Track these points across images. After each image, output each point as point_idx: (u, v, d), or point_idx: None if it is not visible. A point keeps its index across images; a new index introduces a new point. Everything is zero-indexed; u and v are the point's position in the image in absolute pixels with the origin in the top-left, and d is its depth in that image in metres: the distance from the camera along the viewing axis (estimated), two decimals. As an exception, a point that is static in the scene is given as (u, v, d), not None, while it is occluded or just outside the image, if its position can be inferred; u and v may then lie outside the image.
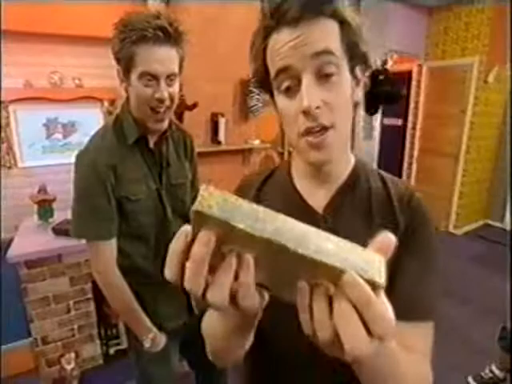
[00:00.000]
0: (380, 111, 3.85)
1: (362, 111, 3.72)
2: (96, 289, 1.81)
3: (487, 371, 1.91)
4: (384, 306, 0.27)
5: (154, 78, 0.87)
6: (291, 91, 0.48)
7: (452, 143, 4.05)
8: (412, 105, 4.45)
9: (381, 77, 3.55)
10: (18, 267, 1.58)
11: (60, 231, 1.70)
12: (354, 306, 0.26)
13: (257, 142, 2.49)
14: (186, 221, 0.63)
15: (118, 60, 0.89)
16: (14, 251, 1.56)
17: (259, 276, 0.29)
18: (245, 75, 2.35)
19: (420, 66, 4.27)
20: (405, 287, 0.50)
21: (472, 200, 4.14)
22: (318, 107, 0.46)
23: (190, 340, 1.16)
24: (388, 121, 4.51)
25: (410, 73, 4.37)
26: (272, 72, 0.49)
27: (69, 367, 1.69)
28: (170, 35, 0.85)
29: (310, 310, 0.29)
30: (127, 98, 0.96)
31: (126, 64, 0.87)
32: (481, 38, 3.59)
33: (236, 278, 0.28)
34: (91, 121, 2.34)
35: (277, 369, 0.59)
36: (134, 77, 0.87)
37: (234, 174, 2.45)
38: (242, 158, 2.51)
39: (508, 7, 3.31)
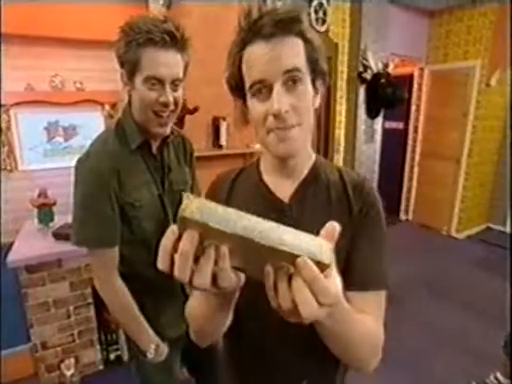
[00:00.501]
0: (381, 114, 3.85)
1: (363, 114, 3.72)
2: (96, 294, 1.79)
3: (492, 378, 1.89)
4: (328, 282, 0.36)
5: (159, 82, 0.86)
6: (263, 96, 0.55)
7: (454, 147, 4.03)
8: (413, 108, 4.44)
9: (382, 80, 3.55)
10: (18, 272, 1.57)
11: (60, 236, 1.68)
12: (306, 282, 0.35)
13: (258, 146, 2.48)
14: None
15: (121, 63, 0.87)
16: (14, 256, 1.55)
17: (235, 262, 0.37)
18: (246, 79, 2.35)
19: (421, 69, 4.27)
20: (359, 262, 0.60)
21: (474, 203, 4.12)
22: (286, 111, 0.54)
23: (191, 348, 1.16)
24: (389, 124, 4.50)
25: (411, 76, 4.37)
26: (248, 81, 0.56)
27: (68, 373, 1.67)
28: (176, 40, 0.85)
29: (274, 288, 0.37)
30: (129, 102, 0.95)
31: (130, 67, 0.86)
32: (483, 42, 3.58)
33: (216, 264, 0.36)
34: (92, 124, 2.33)
35: (252, 344, 0.66)
36: (138, 80, 0.86)
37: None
38: (244, 162, 2.49)
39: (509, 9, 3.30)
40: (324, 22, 3.23)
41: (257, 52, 0.54)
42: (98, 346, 1.85)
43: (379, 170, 4.12)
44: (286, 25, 0.53)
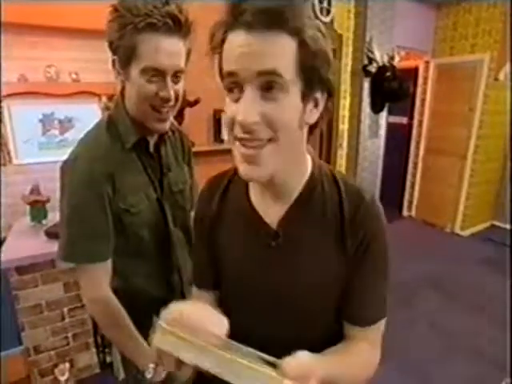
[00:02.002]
0: (386, 109, 3.78)
1: (367, 108, 3.64)
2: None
3: (504, 384, 1.84)
4: None
5: (160, 73, 0.75)
6: (235, 96, 0.47)
7: (459, 142, 3.95)
8: (418, 103, 4.36)
9: (387, 73, 3.47)
10: (9, 273, 1.49)
11: (53, 234, 1.61)
12: None
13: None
14: (186, 231, 0.70)
15: (114, 49, 0.75)
16: (5, 256, 1.47)
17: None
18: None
19: (427, 62, 4.17)
20: (359, 297, 0.57)
21: (479, 201, 4.05)
22: (255, 122, 0.45)
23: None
24: (393, 119, 4.42)
25: (416, 69, 4.28)
26: (223, 71, 0.47)
27: (63, 378, 1.61)
28: (180, 25, 0.73)
29: None
30: (122, 95, 0.84)
31: (125, 55, 0.74)
32: (492, 34, 3.48)
33: None
34: (89, 116, 2.26)
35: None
36: (134, 70, 0.75)
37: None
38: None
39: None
40: (328, 12, 3.14)
41: (235, 41, 0.45)
42: (93, 349, 1.79)
43: (383, 165, 4.07)
44: (274, 17, 0.42)
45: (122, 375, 1.70)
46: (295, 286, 0.56)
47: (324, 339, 0.58)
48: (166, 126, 0.85)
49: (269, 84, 0.44)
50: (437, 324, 2.47)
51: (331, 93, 0.51)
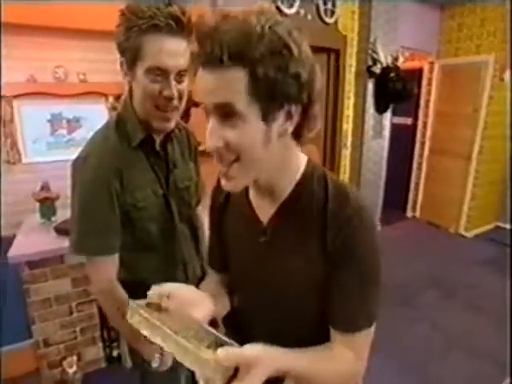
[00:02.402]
0: (390, 109, 3.78)
1: (371, 109, 3.65)
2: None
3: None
4: None
5: (164, 73, 0.77)
6: (208, 118, 0.52)
7: (464, 143, 3.95)
8: (423, 103, 4.35)
9: (391, 74, 3.47)
10: (20, 268, 1.54)
11: (62, 231, 1.65)
12: None
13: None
14: (191, 226, 0.84)
15: (122, 51, 0.78)
16: (16, 251, 1.51)
17: None
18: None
19: (432, 63, 4.17)
20: (341, 303, 0.56)
21: (484, 202, 4.04)
22: (219, 147, 0.50)
23: None
24: (398, 119, 4.42)
25: (420, 70, 4.28)
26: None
27: (71, 370, 1.65)
28: (182, 25, 0.76)
29: None
30: (130, 94, 0.87)
31: (131, 55, 0.77)
32: (497, 35, 3.47)
33: None
34: (96, 116, 2.30)
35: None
36: (140, 71, 0.77)
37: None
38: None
39: None
40: (333, 13, 3.15)
41: (199, 78, 0.50)
42: (100, 344, 1.83)
43: (387, 166, 4.07)
44: (225, 53, 0.45)
45: (129, 364, 1.73)
46: (279, 281, 0.60)
47: (311, 336, 0.59)
48: (171, 125, 0.87)
49: (226, 114, 0.49)
50: (439, 324, 2.47)
51: (311, 99, 0.52)
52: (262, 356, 0.45)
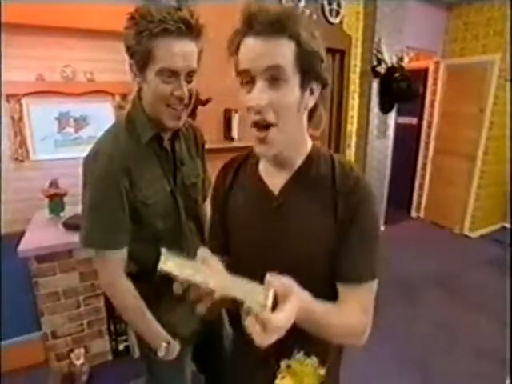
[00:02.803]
0: (394, 109, 3.78)
1: (376, 109, 3.65)
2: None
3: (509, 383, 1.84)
4: (272, 318, 0.46)
5: (174, 74, 0.80)
6: (248, 87, 0.59)
7: (469, 143, 3.93)
8: (428, 103, 4.34)
9: (396, 74, 3.47)
10: (29, 261, 1.57)
11: (70, 226, 1.68)
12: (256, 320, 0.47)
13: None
14: (198, 223, 0.90)
15: (131, 54, 0.81)
16: (25, 245, 1.55)
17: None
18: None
19: (437, 63, 4.16)
20: (348, 258, 0.64)
21: (489, 202, 4.02)
22: (264, 106, 0.57)
23: (202, 345, 1.15)
24: (402, 119, 4.41)
25: (426, 70, 4.27)
26: (236, 69, 0.61)
27: (78, 362, 1.68)
28: (191, 28, 0.79)
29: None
30: (139, 94, 0.90)
31: (142, 58, 0.79)
32: (504, 35, 3.46)
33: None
34: (103, 115, 2.33)
35: None
36: (151, 72, 0.80)
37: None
38: (255, 155, 2.46)
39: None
40: (338, 13, 3.16)
41: (247, 45, 0.58)
42: (107, 337, 1.86)
43: (391, 166, 4.06)
44: (277, 25, 0.55)
45: (137, 354, 1.77)
46: (293, 242, 0.67)
47: (320, 298, 0.62)
48: (181, 122, 0.90)
49: (274, 76, 0.57)
50: (442, 323, 2.47)
51: (325, 85, 0.64)
52: (295, 287, 0.51)
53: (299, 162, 0.68)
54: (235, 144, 2.24)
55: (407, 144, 4.54)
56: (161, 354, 0.94)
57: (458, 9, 3.84)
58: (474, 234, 4.03)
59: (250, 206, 0.73)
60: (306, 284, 0.54)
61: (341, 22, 3.25)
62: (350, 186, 0.64)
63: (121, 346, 1.94)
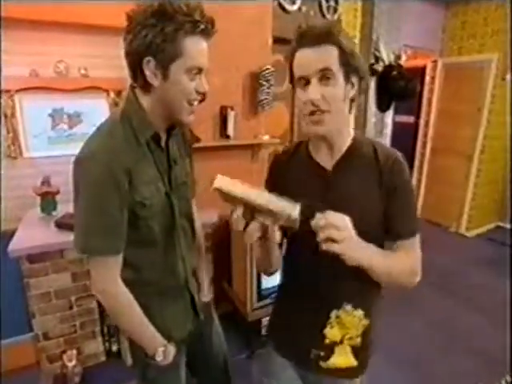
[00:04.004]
0: (392, 108, 3.77)
1: (373, 107, 3.63)
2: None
3: (503, 383, 1.84)
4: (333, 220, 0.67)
5: (199, 71, 0.83)
6: (304, 86, 0.76)
7: (466, 142, 3.94)
8: (425, 102, 4.34)
9: (394, 72, 3.46)
10: (20, 262, 1.54)
11: (62, 225, 1.65)
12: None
13: (266, 138, 2.42)
14: (189, 221, 0.91)
15: (153, 51, 0.77)
16: (16, 245, 1.51)
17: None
18: (254, 68, 2.28)
19: (435, 61, 4.16)
20: (397, 219, 0.81)
21: (485, 201, 4.04)
22: (318, 99, 0.74)
23: (195, 348, 1.13)
24: (400, 118, 4.41)
25: (423, 69, 4.26)
26: (295, 76, 0.78)
27: (70, 364, 1.66)
28: (213, 28, 0.84)
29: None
30: (133, 91, 0.86)
31: (169, 56, 0.77)
32: (500, 34, 3.45)
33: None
34: (97, 111, 2.30)
35: (305, 272, 0.88)
36: (177, 70, 0.79)
37: (242, 170, 2.38)
38: (252, 153, 2.42)
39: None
40: (335, 10, 3.13)
41: (302, 56, 0.76)
42: (100, 338, 1.83)
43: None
44: (323, 37, 0.73)
45: (129, 361, 1.74)
46: (344, 207, 0.75)
47: None
48: (193, 118, 0.90)
49: (324, 76, 0.74)
50: (438, 323, 2.48)
51: (362, 77, 0.79)
52: (352, 233, 0.70)
53: (346, 144, 0.84)
54: (231, 142, 2.22)
55: (404, 142, 4.53)
56: (159, 358, 0.92)
57: (455, 8, 3.83)
58: (471, 233, 4.05)
59: (305, 182, 0.87)
60: None
61: (338, 20, 3.22)
62: (390, 164, 0.81)
63: (114, 348, 1.92)
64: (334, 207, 0.72)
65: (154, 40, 0.76)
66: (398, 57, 3.52)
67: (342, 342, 0.85)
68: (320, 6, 3.04)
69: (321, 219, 0.66)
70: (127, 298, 0.87)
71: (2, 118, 2.06)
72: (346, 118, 0.82)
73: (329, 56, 0.73)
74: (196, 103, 0.87)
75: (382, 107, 3.70)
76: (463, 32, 3.82)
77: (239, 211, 0.62)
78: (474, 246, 3.81)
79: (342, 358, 0.87)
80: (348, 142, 0.84)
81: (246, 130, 2.33)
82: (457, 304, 2.71)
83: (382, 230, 0.82)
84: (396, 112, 3.98)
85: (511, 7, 3.30)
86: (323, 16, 3.06)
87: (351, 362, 0.88)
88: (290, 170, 0.91)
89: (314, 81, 0.74)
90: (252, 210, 0.61)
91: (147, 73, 0.80)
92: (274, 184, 0.91)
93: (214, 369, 1.21)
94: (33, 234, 1.65)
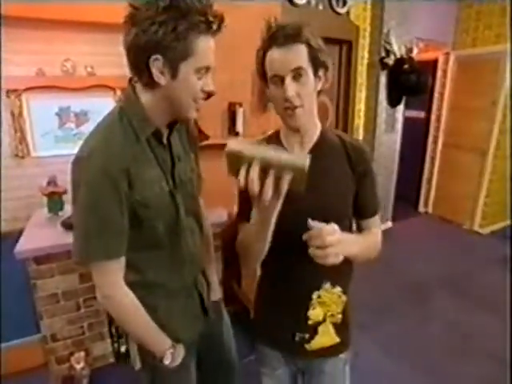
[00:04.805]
0: (403, 102, 3.68)
1: (384, 102, 3.56)
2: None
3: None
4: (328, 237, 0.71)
5: (208, 70, 0.82)
6: (278, 84, 0.80)
7: (480, 137, 3.83)
8: (436, 96, 4.23)
9: (405, 66, 3.38)
10: (27, 263, 1.53)
11: (69, 225, 1.63)
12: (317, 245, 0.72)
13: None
14: (197, 219, 0.99)
15: (162, 50, 0.74)
16: (23, 246, 1.50)
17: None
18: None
19: (447, 54, 4.04)
20: (368, 200, 0.94)
21: (500, 198, 3.92)
22: (293, 95, 0.79)
23: (205, 348, 1.10)
24: (410, 113, 4.31)
25: (435, 62, 4.15)
26: (269, 74, 0.82)
27: (78, 366, 1.65)
28: (221, 26, 0.79)
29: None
30: (133, 89, 0.84)
31: (180, 54, 0.75)
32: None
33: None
34: (104, 110, 2.23)
35: (284, 260, 0.90)
36: (187, 69, 0.77)
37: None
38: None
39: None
40: (345, 3, 3.06)
41: (274, 55, 0.79)
42: (108, 339, 1.82)
43: (399, 160, 3.99)
44: (293, 36, 0.77)
45: (138, 366, 1.72)
46: (322, 195, 0.86)
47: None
48: (196, 113, 0.89)
49: (297, 74, 0.79)
50: (452, 323, 2.42)
51: (327, 69, 0.85)
52: (341, 238, 0.74)
53: (315, 137, 0.91)
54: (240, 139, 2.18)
55: (415, 138, 4.45)
56: (167, 361, 0.91)
57: (469, -3, 3.71)
58: (485, 230, 3.95)
59: None
60: (335, 223, 0.75)
61: (348, 12, 3.15)
62: (358, 153, 0.90)
63: (122, 349, 1.90)
64: (312, 193, 0.77)
65: (164, 37, 0.72)
66: (410, 50, 3.43)
67: (324, 320, 0.91)
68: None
69: (314, 238, 0.71)
70: (132, 302, 0.85)
71: (9, 117, 2.05)
72: (314, 110, 0.89)
73: (300, 55, 0.78)
74: (201, 101, 0.85)
75: (393, 102, 3.63)
76: (478, 22, 3.70)
77: (256, 170, 0.59)
78: (488, 244, 3.71)
79: (326, 337, 0.92)
80: (317, 132, 0.91)
81: (254, 126, 2.29)
82: (470, 304, 2.64)
83: (351, 210, 0.93)
84: (406, 107, 3.90)
85: (511, 5, 3.20)
86: (332, 9, 3.00)
87: (334, 339, 0.94)
88: None
89: (288, 79, 0.78)
90: (263, 168, 0.60)
91: (154, 71, 0.76)
92: None
93: (225, 368, 1.19)
94: (39, 234, 1.63)
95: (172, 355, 0.92)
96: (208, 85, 0.83)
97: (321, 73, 0.83)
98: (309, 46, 0.78)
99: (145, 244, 0.88)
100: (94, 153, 0.76)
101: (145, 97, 0.83)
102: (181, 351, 0.95)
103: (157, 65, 0.75)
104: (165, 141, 0.89)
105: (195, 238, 0.99)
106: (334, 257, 0.71)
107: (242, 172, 0.60)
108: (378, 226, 0.97)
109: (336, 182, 0.89)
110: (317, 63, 0.81)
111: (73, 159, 0.77)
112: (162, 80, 0.78)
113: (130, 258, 0.85)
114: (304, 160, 0.59)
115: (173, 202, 0.89)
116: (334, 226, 0.73)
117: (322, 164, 0.86)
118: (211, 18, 0.75)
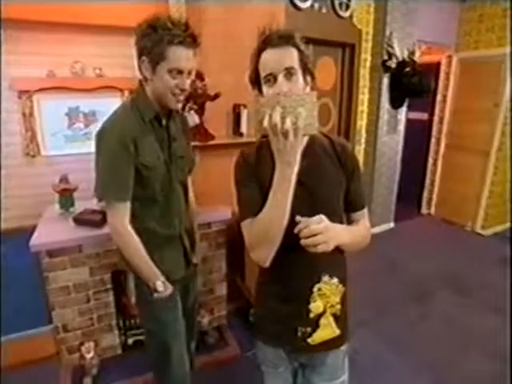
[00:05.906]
0: (405, 104, 3.71)
1: (386, 104, 3.59)
2: (115, 280, 1.82)
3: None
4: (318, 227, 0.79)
5: (180, 72, 1.08)
6: (272, 83, 0.84)
7: (482, 139, 3.85)
8: (439, 98, 4.26)
9: (407, 69, 3.41)
10: (41, 256, 1.59)
11: (80, 221, 1.70)
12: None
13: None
14: (184, 187, 1.33)
15: (147, 52, 1.06)
16: (37, 240, 1.57)
17: None
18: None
19: (450, 57, 4.07)
20: (356, 195, 0.99)
21: (502, 199, 3.94)
22: (285, 92, 0.80)
23: (186, 289, 1.41)
24: (413, 115, 4.34)
25: (438, 64, 4.18)
26: (262, 74, 0.86)
27: (88, 356, 1.70)
28: (195, 41, 1.08)
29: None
30: (141, 84, 1.16)
31: (157, 58, 1.05)
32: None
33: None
34: (111, 110, 2.34)
35: (287, 251, 0.89)
36: (162, 70, 1.07)
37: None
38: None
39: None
40: (348, 7, 3.11)
41: (268, 55, 0.84)
42: (116, 331, 1.87)
43: (401, 162, 4.01)
44: (286, 39, 0.83)
45: (133, 300, 1.86)
46: (317, 190, 0.91)
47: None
48: (180, 105, 1.18)
49: (289, 73, 0.83)
50: (453, 323, 2.44)
51: (313, 77, 0.90)
52: (330, 226, 0.81)
53: (306, 138, 0.91)
54: (244, 139, 2.22)
55: (418, 140, 4.47)
56: (160, 288, 1.17)
57: (473, 0, 3.73)
58: (487, 232, 3.96)
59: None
60: (328, 217, 0.81)
61: (351, 16, 3.19)
62: (346, 152, 0.96)
63: (130, 341, 1.96)
64: (307, 192, 0.88)
65: (146, 45, 1.05)
66: (412, 53, 3.46)
67: (324, 311, 0.93)
68: (332, 2, 3.02)
69: (303, 229, 0.77)
70: (132, 236, 1.13)
71: (20, 117, 2.12)
72: None
73: (292, 56, 0.84)
74: (182, 97, 1.14)
75: (395, 104, 3.66)
76: (480, 25, 3.72)
77: (277, 111, 0.71)
78: (490, 245, 3.73)
79: (327, 330, 0.95)
80: (306, 137, 0.94)
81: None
82: (472, 305, 2.66)
83: (342, 205, 0.98)
84: (409, 109, 3.93)
85: (511, 8, 3.22)
86: (335, 13, 3.04)
87: (335, 331, 0.96)
88: (260, 162, 0.93)
89: (281, 77, 0.83)
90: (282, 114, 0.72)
91: (143, 68, 1.10)
92: (251, 175, 0.94)
93: (192, 312, 1.52)
94: (52, 229, 1.70)
95: (164, 284, 1.19)
96: (183, 84, 1.10)
97: (308, 79, 0.88)
98: (299, 50, 0.85)
99: (145, 199, 1.18)
100: (113, 125, 1.10)
101: (148, 90, 1.14)
102: (169, 285, 1.21)
103: (144, 64, 1.09)
104: (164, 123, 1.19)
105: (181, 201, 1.30)
106: (324, 244, 0.77)
107: (267, 117, 0.72)
108: (365, 218, 1.02)
109: (329, 179, 0.93)
110: (305, 68, 0.86)
111: (96, 132, 1.10)
112: (148, 75, 1.10)
113: (135, 210, 1.15)
114: (312, 96, 0.74)
115: (167, 169, 1.20)
116: (322, 216, 0.80)
117: (315, 163, 0.91)
118: (177, 33, 1.03)
